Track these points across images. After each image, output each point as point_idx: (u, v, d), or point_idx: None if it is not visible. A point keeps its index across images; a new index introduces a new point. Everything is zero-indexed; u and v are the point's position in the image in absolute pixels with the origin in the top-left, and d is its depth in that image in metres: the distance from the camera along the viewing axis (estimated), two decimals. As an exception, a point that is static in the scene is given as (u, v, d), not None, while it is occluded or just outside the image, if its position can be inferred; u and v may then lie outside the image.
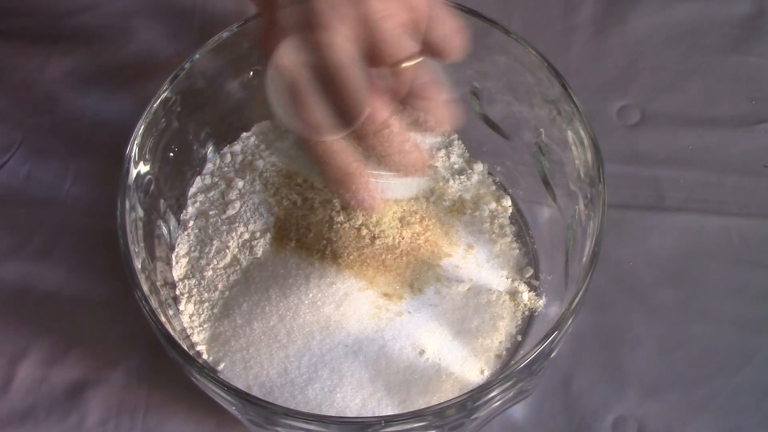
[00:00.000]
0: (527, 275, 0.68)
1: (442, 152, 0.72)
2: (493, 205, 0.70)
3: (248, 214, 0.68)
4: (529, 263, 0.68)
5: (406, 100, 0.54)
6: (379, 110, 0.51)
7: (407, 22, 0.51)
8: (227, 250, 0.67)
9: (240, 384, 0.62)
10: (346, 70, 0.49)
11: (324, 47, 0.48)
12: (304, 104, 0.51)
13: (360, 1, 0.48)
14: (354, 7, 0.48)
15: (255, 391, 0.62)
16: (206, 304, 0.66)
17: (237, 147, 0.72)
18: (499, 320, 0.65)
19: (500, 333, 0.65)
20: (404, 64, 0.50)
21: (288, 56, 0.49)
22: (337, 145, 0.52)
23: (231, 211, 0.68)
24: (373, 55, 0.50)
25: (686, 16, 0.82)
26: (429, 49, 0.53)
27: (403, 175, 0.56)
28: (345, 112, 0.50)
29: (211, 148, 0.71)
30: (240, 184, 0.69)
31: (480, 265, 0.67)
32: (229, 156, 0.72)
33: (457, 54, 0.53)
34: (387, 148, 0.53)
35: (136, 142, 0.62)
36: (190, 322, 0.65)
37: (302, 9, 0.49)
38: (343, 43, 0.48)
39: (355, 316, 0.63)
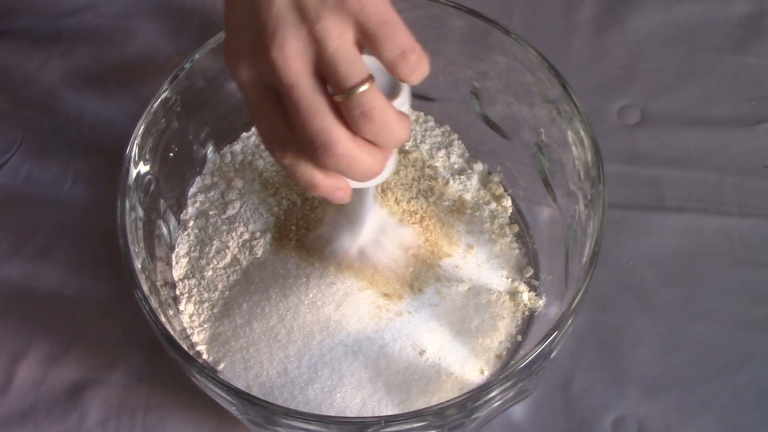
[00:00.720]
0: (527, 275, 0.68)
1: (442, 152, 0.72)
2: (493, 205, 0.70)
3: (248, 214, 0.68)
4: (529, 263, 0.68)
5: None
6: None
7: (356, 41, 0.46)
8: (227, 250, 0.67)
9: (240, 384, 0.62)
10: (300, 91, 0.45)
11: (274, 67, 0.45)
12: (261, 125, 0.49)
13: (309, 17, 0.45)
14: (304, 23, 0.45)
15: (255, 391, 0.62)
16: (206, 304, 0.66)
17: (237, 147, 0.72)
18: (499, 320, 0.65)
19: (500, 333, 0.65)
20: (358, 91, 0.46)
21: (242, 73, 0.47)
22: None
23: (231, 211, 0.68)
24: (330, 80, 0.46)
25: (686, 16, 0.82)
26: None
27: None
28: (306, 140, 0.47)
29: (211, 148, 0.71)
30: (240, 184, 0.69)
31: (480, 265, 0.67)
32: (229, 156, 0.72)
33: (411, 79, 0.47)
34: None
35: (136, 142, 0.62)
36: (190, 322, 0.65)
37: (252, 22, 0.46)
38: (293, 63, 0.45)
39: (355, 316, 0.63)
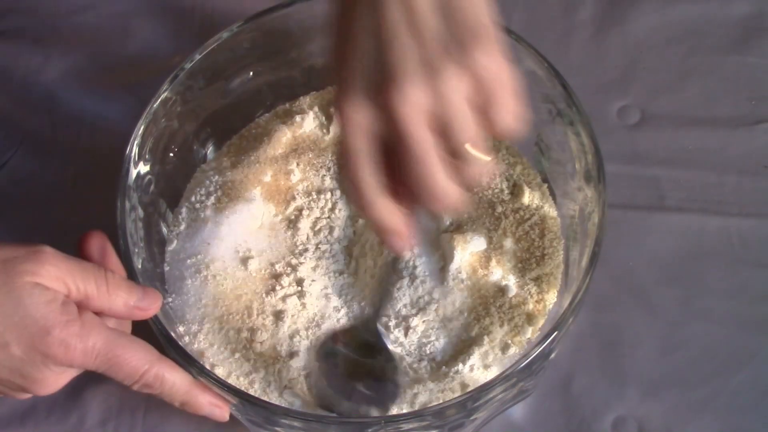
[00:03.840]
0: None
1: None
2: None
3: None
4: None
5: None
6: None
7: (474, 100, 0.48)
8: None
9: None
10: (420, 144, 0.47)
11: (397, 114, 0.46)
12: (358, 171, 0.49)
13: (436, 70, 0.46)
14: (427, 73, 0.46)
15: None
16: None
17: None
18: (500, 320, 0.65)
19: (500, 333, 0.65)
20: (471, 152, 0.48)
21: (356, 116, 0.48)
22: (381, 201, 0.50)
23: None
24: (440, 131, 0.48)
25: (686, 16, 0.82)
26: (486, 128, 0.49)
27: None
28: (416, 191, 0.49)
29: (211, 148, 0.71)
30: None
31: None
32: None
33: (512, 137, 0.51)
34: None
35: (136, 142, 0.62)
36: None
37: (375, 66, 0.47)
38: (416, 114, 0.46)
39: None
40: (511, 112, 0.48)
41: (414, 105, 0.46)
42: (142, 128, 0.63)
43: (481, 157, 0.48)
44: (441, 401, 0.58)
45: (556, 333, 0.55)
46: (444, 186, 0.48)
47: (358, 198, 0.49)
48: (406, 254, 0.62)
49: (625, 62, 0.80)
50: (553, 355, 0.58)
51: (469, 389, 0.56)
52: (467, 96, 0.47)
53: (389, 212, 0.50)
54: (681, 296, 0.69)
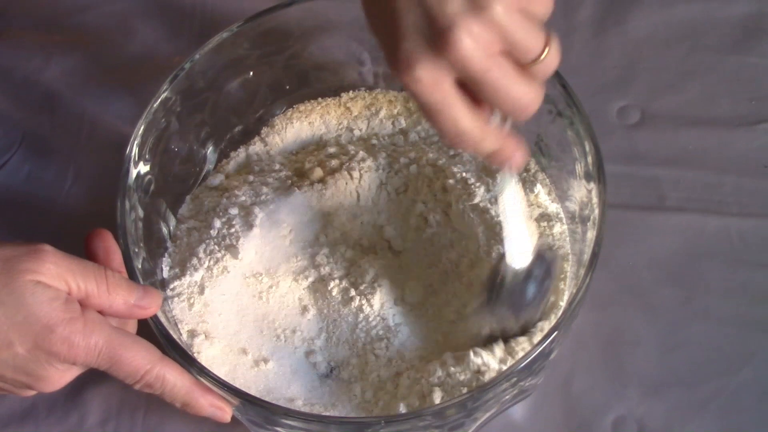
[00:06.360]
0: (527, 275, 0.67)
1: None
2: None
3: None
4: (529, 263, 0.68)
5: None
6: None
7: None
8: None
9: (240, 384, 0.62)
10: (496, 71, 0.49)
11: (465, 56, 0.48)
12: (450, 121, 0.50)
13: (482, 5, 0.47)
14: (480, 10, 0.47)
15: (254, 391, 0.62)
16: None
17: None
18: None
19: (500, 333, 0.65)
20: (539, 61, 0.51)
21: (423, 74, 0.48)
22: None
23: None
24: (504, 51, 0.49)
25: (686, 16, 0.82)
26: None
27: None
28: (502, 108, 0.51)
29: (211, 148, 0.71)
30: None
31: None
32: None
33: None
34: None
35: (136, 142, 0.62)
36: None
37: (424, 23, 0.48)
38: (483, 48, 0.48)
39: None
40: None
41: (482, 42, 0.47)
42: (142, 128, 0.63)
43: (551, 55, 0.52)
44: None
45: (556, 333, 0.55)
46: (524, 91, 0.50)
47: (467, 144, 0.51)
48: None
49: (625, 62, 0.80)
50: (553, 355, 0.58)
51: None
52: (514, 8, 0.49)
53: (499, 137, 0.52)
54: (681, 296, 0.69)
